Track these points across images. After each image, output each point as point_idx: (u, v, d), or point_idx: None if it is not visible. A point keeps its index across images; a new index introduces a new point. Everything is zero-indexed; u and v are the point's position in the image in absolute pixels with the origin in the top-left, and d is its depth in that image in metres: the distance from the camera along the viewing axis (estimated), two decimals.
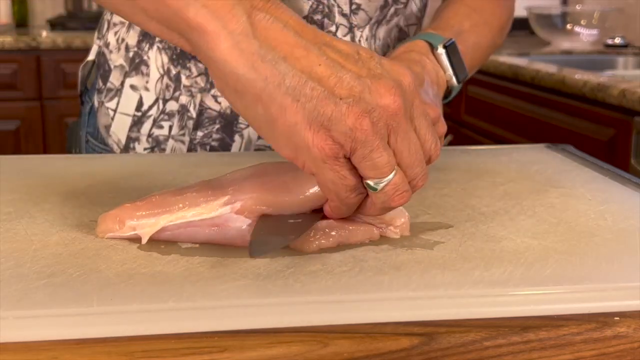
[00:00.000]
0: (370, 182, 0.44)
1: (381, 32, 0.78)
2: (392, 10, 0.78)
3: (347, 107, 0.41)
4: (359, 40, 0.76)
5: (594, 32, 2.25)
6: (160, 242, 0.48)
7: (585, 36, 2.25)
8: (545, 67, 1.69)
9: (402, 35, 0.80)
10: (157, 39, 0.77)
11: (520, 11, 2.58)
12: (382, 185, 0.44)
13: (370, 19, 0.76)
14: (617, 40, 2.18)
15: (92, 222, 0.50)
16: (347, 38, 0.75)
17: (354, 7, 0.75)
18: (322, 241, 0.47)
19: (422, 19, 0.82)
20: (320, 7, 0.74)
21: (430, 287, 0.41)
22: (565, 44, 2.26)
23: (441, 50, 0.64)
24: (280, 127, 0.42)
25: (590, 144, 1.48)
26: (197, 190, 0.48)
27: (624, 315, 0.40)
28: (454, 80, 0.66)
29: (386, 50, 0.79)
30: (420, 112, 0.45)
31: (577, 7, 2.49)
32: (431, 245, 0.48)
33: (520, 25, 2.66)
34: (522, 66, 1.75)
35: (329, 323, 0.38)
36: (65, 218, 0.53)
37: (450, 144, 2.15)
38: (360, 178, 0.44)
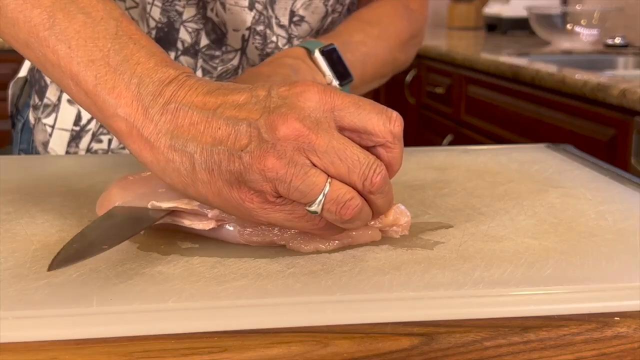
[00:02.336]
0: (309, 208, 0.43)
1: None
2: (329, 19, 0.81)
3: (249, 156, 0.42)
4: None
5: (594, 32, 2.25)
6: (160, 242, 0.48)
7: (585, 36, 2.25)
8: (545, 67, 1.69)
9: None
10: None
11: (520, 11, 2.59)
12: (320, 206, 0.42)
13: (312, 29, 0.79)
14: (617, 40, 2.18)
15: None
16: (287, 47, 0.78)
17: (296, 19, 0.78)
18: (322, 246, 0.47)
19: None
20: (262, 18, 0.76)
21: (430, 287, 0.41)
22: (565, 44, 2.25)
23: (317, 55, 0.65)
24: (213, 200, 0.44)
25: (590, 144, 1.48)
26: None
27: (624, 315, 0.39)
28: (335, 83, 0.66)
29: None
30: (346, 105, 0.44)
31: (577, 7, 2.49)
32: (431, 245, 0.48)
33: (520, 25, 2.66)
34: (522, 66, 1.75)
35: (329, 323, 0.38)
36: (65, 218, 0.53)
37: (450, 144, 2.15)
38: None
